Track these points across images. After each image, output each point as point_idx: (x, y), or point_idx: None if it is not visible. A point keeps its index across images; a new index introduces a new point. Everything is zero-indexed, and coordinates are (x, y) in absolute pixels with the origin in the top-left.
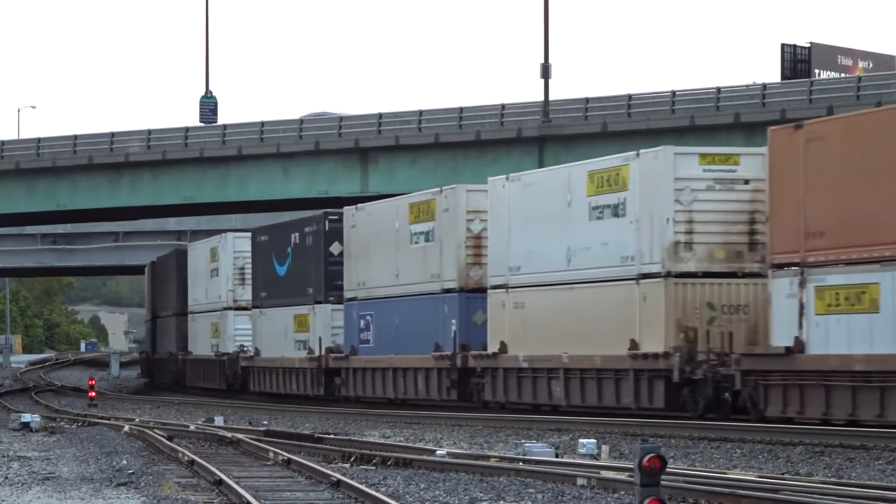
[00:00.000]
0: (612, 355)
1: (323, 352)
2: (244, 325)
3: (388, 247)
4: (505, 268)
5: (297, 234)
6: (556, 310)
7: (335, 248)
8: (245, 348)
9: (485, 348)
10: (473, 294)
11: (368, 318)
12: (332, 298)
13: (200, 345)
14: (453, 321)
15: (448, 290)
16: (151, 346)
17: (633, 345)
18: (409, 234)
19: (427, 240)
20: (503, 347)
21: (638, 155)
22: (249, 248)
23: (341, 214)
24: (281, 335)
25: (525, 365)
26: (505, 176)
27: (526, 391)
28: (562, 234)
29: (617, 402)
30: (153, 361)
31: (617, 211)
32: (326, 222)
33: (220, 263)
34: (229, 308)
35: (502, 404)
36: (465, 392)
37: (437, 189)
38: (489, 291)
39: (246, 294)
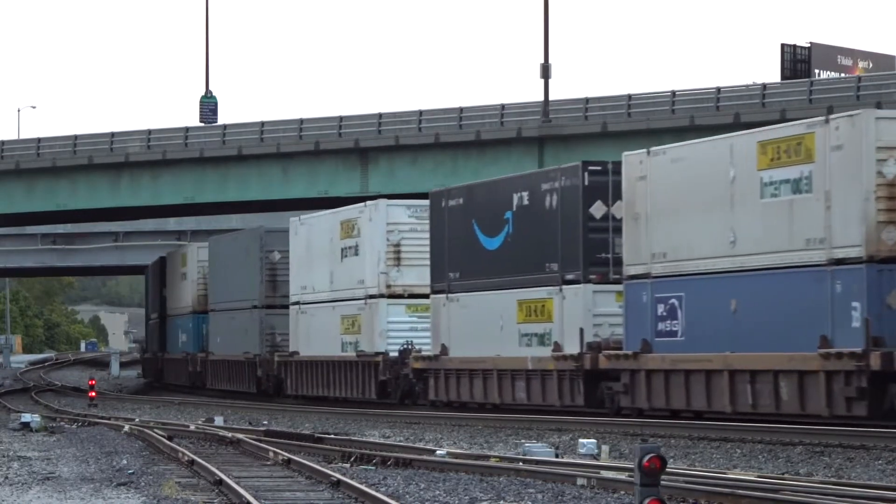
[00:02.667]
0: None
1: (583, 348)
2: (401, 318)
3: (714, 203)
4: None
5: (523, 194)
6: None
7: (597, 210)
8: (412, 346)
9: None
10: (888, 265)
11: (674, 301)
12: (593, 277)
13: (317, 343)
14: (855, 304)
15: (842, 261)
16: (199, 345)
17: None
18: (757, 182)
19: (796, 190)
20: None
21: None
22: (411, 219)
23: (606, 164)
24: (491, 327)
25: None
26: None
27: None
28: None
29: None
30: (202, 363)
31: None
32: (585, 175)
33: (364, 239)
34: (380, 296)
35: None
36: (881, 406)
37: (819, 119)
38: None
39: (403, 277)
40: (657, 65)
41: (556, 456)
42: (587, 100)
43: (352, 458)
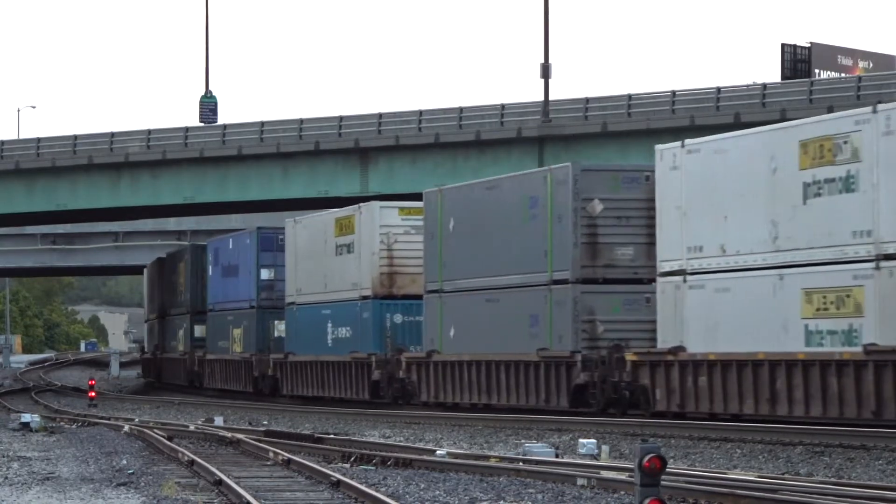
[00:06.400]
0: None
1: None
2: None
3: None
4: None
5: None
6: None
7: None
8: None
9: None
10: None
11: None
12: None
13: (736, 334)
14: None
15: None
16: (381, 343)
17: None
18: None
19: None
20: None
21: None
22: None
23: None
24: None
25: None
26: None
27: None
28: None
29: None
30: (413, 367)
31: None
32: None
33: (869, 164)
34: None
35: None
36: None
37: None
38: None
39: None
40: (657, 65)
41: (556, 456)
42: (587, 100)
43: (352, 459)
